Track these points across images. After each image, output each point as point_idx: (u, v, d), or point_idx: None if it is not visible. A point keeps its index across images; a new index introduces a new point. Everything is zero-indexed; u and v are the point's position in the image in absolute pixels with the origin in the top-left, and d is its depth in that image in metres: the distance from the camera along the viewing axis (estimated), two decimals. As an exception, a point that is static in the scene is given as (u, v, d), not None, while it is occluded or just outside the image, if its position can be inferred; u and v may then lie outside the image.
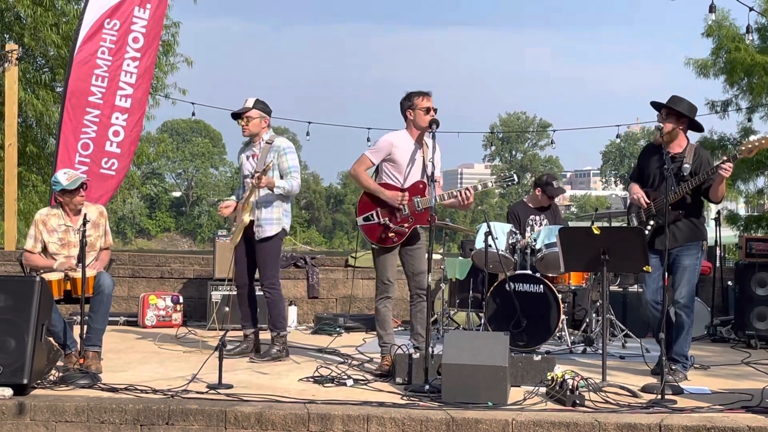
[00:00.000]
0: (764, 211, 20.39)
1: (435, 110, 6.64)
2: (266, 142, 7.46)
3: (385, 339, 6.78)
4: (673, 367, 6.46)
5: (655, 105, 6.73)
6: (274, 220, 7.39)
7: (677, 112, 6.58)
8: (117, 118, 9.71)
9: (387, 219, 6.67)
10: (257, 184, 7.17)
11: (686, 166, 6.51)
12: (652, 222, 6.66)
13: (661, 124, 6.58)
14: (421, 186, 6.68)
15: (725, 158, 6.32)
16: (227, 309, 7.33)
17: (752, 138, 6.39)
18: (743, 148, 6.31)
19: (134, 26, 9.74)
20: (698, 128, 6.90)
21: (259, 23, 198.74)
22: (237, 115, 7.48)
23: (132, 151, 10.10)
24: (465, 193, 6.61)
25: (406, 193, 6.65)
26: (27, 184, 16.48)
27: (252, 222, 7.38)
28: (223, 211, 7.59)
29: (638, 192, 6.73)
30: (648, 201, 6.66)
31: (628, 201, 6.98)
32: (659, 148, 6.61)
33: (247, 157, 7.55)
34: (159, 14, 10.04)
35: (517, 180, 7.02)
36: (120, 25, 9.68)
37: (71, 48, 10.06)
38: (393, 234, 6.67)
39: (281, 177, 7.33)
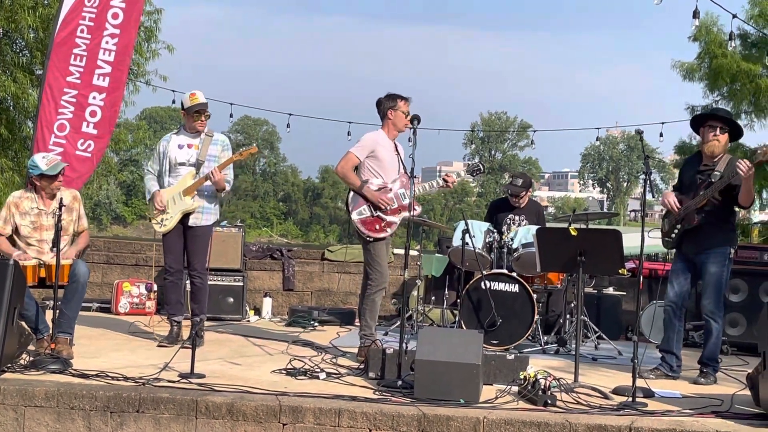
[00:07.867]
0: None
1: (415, 118, 6.80)
2: (206, 135, 7.55)
3: (371, 330, 7.03)
4: (704, 370, 6.74)
5: (702, 117, 6.83)
6: (213, 209, 7.59)
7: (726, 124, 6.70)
8: (94, 98, 9.33)
9: (380, 212, 7.02)
10: (213, 179, 7.29)
11: (716, 173, 6.64)
12: (678, 226, 6.82)
13: (641, 129, 6.60)
14: (404, 180, 7.03)
15: (744, 159, 6.45)
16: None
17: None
18: (759, 152, 6.44)
19: (113, 1, 9.45)
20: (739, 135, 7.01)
21: (242, 12, 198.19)
22: (196, 111, 7.43)
23: (109, 132, 9.81)
24: (447, 178, 7.27)
25: (390, 194, 7.04)
26: (-3, 168, 16.17)
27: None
28: (161, 203, 7.48)
29: (671, 198, 6.82)
30: (679, 207, 6.78)
31: (663, 209, 7.06)
32: (697, 157, 6.92)
33: (180, 146, 7.54)
34: None
35: (483, 169, 7.75)
36: (99, 0, 9.41)
37: (51, 30, 9.83)
38: (386, 224, 7.04)
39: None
